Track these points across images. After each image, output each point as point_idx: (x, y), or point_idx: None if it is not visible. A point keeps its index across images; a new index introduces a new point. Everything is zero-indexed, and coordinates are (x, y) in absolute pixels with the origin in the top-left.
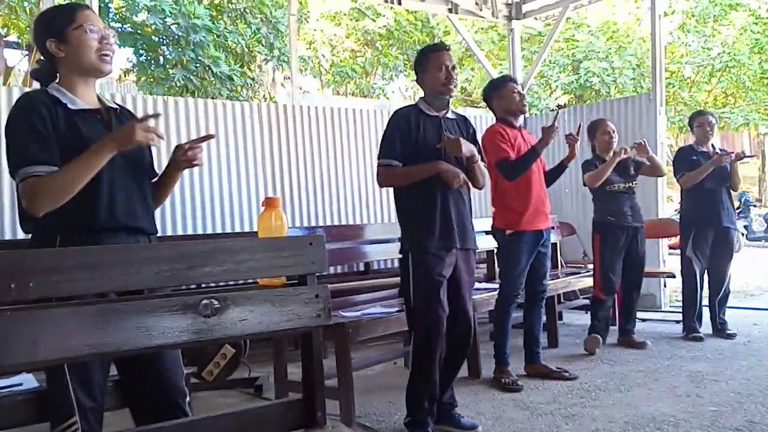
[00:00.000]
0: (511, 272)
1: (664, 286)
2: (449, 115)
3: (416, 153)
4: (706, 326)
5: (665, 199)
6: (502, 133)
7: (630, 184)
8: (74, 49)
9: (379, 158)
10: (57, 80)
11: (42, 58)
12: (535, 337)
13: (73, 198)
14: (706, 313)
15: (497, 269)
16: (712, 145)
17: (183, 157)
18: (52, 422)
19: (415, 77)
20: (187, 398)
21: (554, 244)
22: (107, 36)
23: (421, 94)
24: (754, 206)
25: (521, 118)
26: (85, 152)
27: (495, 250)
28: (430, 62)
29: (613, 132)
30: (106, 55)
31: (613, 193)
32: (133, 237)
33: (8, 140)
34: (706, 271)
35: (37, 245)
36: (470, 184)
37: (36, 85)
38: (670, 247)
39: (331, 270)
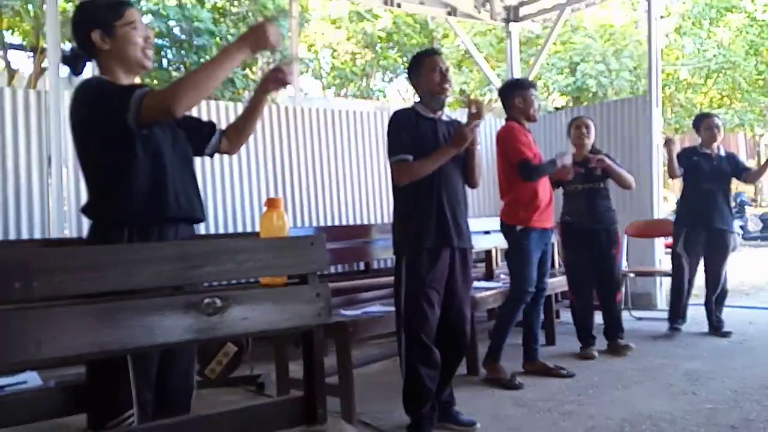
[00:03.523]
0: (524, 268)
1: (660, 285)
2: (444, 117)
3: (416, 153)
4: (701, 324)
5: (661, 198)
6: (523, 132)
7: (592, 184)
8: (120, 43)
9: (390, 157)
10: (99, 72)
11: (75, 46)
12: (535, 335)
13: (145, 188)
14: (694, 309)
15: (494, 268)
16: (717, 147)
17: (280, 75)
18: (95, 415)
19: (409, 82)
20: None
21: (552, 244)
22: (150, 36)
23: (417, 98)
24: (750, 206)
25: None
26: (218, 54)
27: (505, 249)
28: (424, 66)
29: (586, 127)
30: (149, 53)
31: (571, 193)
32: (189, 227)
33: (101, 95)
34: (696, 270)
35: (101, 232)
36: (468, 181)
37: (41, 82)
38: (667, 247)
39: (332, 269)
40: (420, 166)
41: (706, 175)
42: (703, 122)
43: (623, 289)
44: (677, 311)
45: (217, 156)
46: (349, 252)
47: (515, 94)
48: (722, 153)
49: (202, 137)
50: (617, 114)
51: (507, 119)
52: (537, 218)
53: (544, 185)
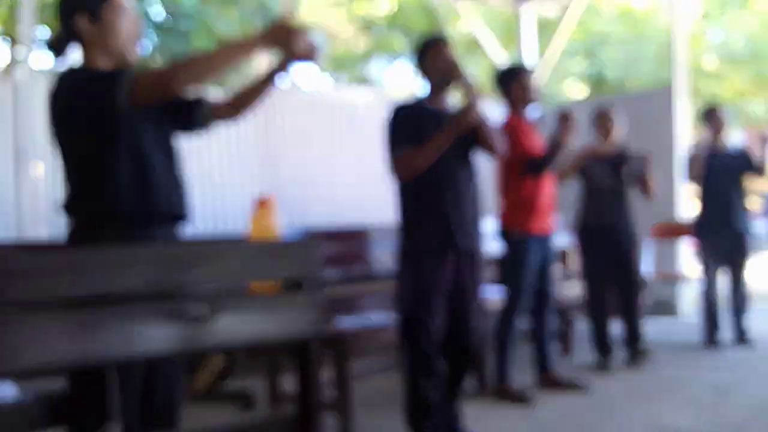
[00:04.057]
0: (519, 277)
1: (682, 291)
2: (450, 109)
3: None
4: (725, 333)
5: (686, 198)
6: (523, 127)
7: (619, 185)
8: (107, 29)
9: (390, 153)
10: (82, 61)
11: (61, 31)
12: (546, 346)
13: (131, 184)
14: (725, 319)
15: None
16: (727, 143)
17: (304, 48)
18: (75, 429)
19: (415, 71)
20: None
21: (562, 250)
22: (138, 24)
23: (422, 88)
24: None
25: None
26: (240, 41)
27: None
28: (429, 54)
29: (612, 119)
30: (137, 41)
31: (596, 191)
32: (174, 226)
33: (85, 80)
34: (719, 275)
35: (82, 231)
36: (490, 153)
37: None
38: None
39: (329, 274)
40: (418, 154)
41: (718, 174)
42: (711, 115)
43: (644, 295)
44: (710, 324)
45: (201, 150)
46: (348, 255)
47: (511, 82)
48: (733, 149)
49: (189, 112)
50: (638, 106)
51: (509, 111)
52: (535, 223)
53: (544, 186)
